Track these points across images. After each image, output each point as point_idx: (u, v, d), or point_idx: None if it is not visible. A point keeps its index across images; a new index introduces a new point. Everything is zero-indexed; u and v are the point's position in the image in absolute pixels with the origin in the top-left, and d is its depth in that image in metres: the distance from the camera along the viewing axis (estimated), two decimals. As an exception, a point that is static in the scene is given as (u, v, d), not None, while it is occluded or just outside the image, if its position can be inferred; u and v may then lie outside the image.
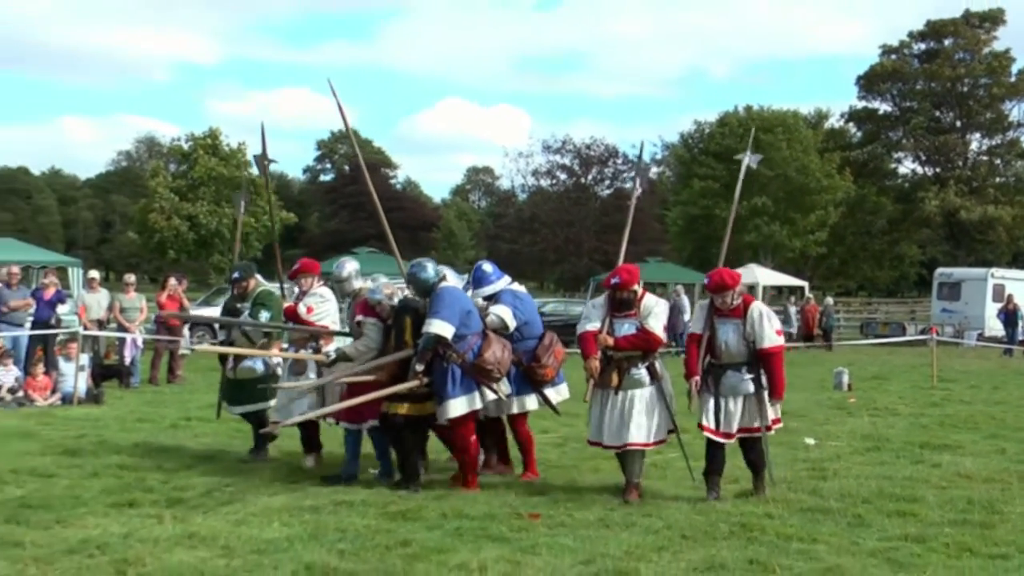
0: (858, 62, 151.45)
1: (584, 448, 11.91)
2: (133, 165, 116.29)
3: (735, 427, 10.41)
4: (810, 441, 14.29)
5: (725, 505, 10.19)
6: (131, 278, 23.73)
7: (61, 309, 21.54)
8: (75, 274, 32.16)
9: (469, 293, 11.49)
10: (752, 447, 10.62)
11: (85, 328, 21.02)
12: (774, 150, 63.96)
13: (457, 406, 10.60)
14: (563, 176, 77.80)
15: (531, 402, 11.50)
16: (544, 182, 78.01)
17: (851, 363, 24.92)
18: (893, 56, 72.52)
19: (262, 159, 14.26)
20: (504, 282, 11.72)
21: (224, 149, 65.46)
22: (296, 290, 12.87)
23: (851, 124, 76.61)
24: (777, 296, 53.49)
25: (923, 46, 71.99)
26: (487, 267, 11.91)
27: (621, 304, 10.53)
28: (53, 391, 18.57)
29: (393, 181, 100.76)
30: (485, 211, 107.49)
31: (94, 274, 23.90)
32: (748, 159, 13.14)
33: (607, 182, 77.97)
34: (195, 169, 64.30)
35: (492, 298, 11.50)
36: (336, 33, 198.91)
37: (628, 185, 75.49)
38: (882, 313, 56.39)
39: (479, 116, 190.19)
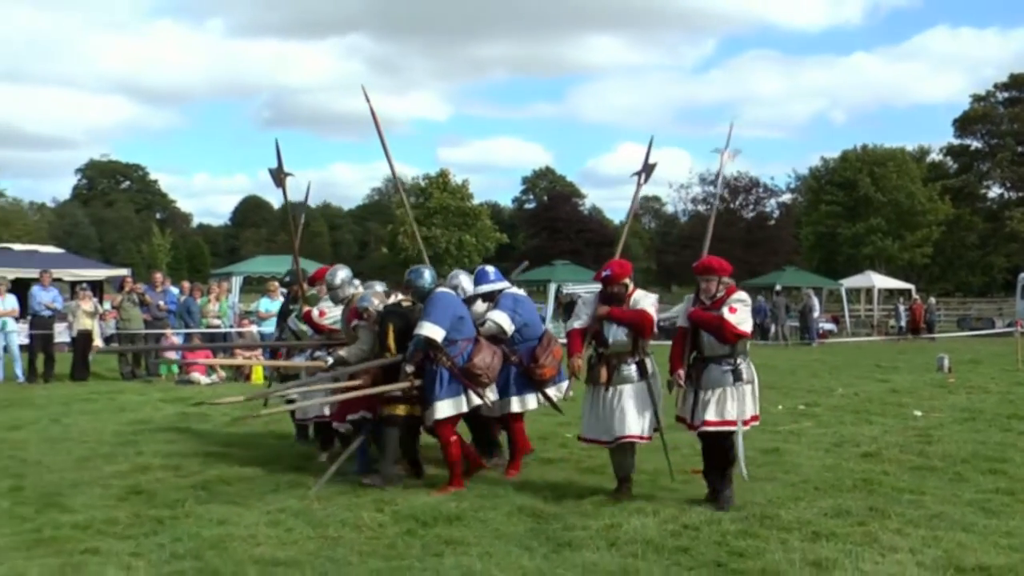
0: (953, 108, 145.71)
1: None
2: (383, 198, 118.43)
3: (706, 418, 8.32)
4: (918, 413, 13.85)
5: (849, 463, 9.98)
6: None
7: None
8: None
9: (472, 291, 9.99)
10: (718, 445, 8.43)
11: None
12: (886, 180, 63.60)
13: (443, 408, 8.95)
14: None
15: (531, 401, 9.79)
16: (701, 207, 77.04)
17: (950, 351, 24.02)
18: (982, 103, 71.04)
19: (278, 172, 11.28)
20: (502, 284, 10.02)
21: (452, 185, 66.76)
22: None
23: (948, 158, 74.81)
24: (889, 297, 52.48)
25: (1007, 94, 70.47)
26: (488, 269, 10.37)
27: (612, 298, 8.75)
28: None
29: (582, 208, 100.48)
30: (654, 231, 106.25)
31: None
32: (728, 150, 11.46)
33: (751, 207, 76.71)
34: (430, 201, 65.55)
35: (491, 301, 9.90)
36: (538, 95, 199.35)
37: (768, 209, 74.59)
38: (975, 310, 54.19)
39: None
